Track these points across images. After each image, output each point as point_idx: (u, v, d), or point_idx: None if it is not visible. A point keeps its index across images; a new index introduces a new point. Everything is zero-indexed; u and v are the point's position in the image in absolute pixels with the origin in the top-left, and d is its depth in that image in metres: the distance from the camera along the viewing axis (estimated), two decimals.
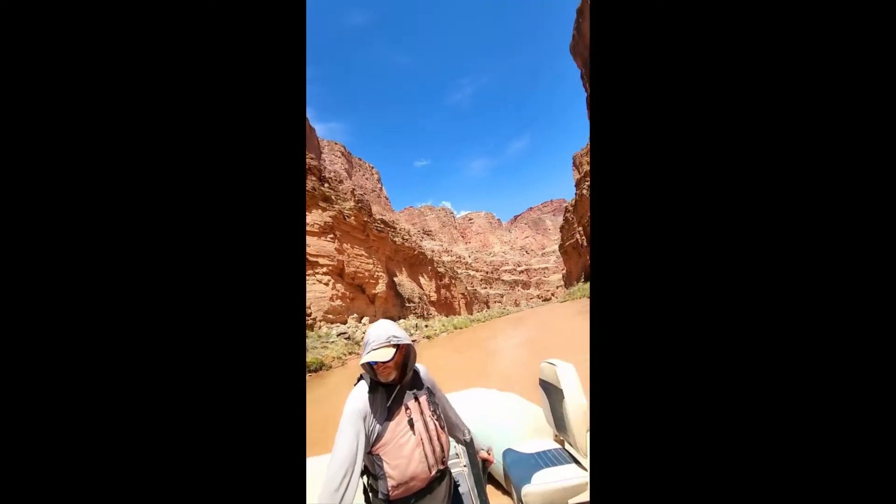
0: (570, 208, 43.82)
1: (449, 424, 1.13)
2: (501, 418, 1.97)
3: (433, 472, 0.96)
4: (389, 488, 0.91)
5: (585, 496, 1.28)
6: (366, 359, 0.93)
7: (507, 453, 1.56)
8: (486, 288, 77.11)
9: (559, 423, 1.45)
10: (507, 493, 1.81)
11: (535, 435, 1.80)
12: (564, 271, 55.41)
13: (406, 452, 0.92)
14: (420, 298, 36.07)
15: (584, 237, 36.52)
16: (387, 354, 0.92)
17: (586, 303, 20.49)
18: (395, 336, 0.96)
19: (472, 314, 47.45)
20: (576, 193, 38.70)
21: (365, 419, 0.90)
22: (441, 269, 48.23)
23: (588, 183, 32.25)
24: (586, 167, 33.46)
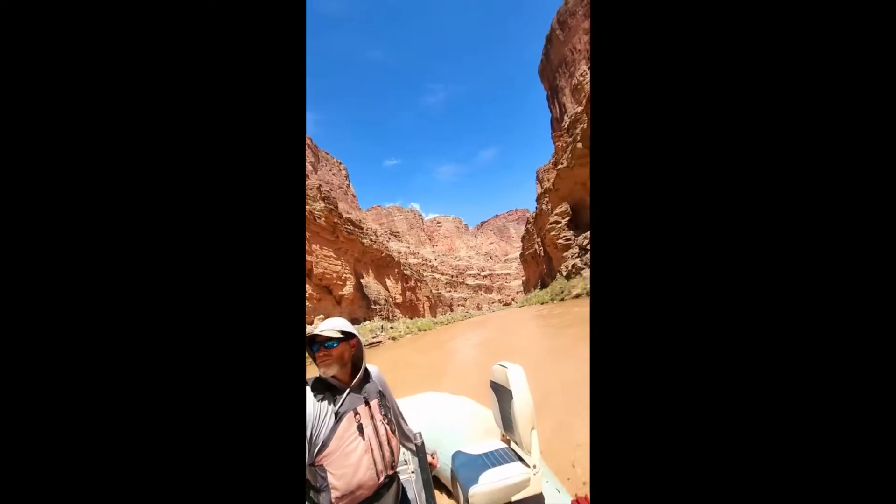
0: (531, 220, 47.10)
1: (399, 431, 1.11)
2: (453, 421, 2.04)
3: (381, 479, 0.95)
4: (333, 500, 0.88)
5: (528, 492, 1.37)
6: (314, 332, 0.91)
7: (457, 455, 1.59)
8: (450, 291, 78.91)
9: (507, 422, 1.51)
10: (453, 496, 1.83)
11: (484, 436, 1.86)
12: (524, 278, 58.89)
13: (353, 460, 0.90)
14: (386, 300, 36.55)
15: (542, 248, 39.62)
16: (333, 334, 0.94)
17: (540, 308, 22.73)
18: (345, 329, 0.97)
19: (435, 317, 48.70)
20: (536, 207, 41.84)
21: (310, 428, 0.87)
22: (407, 272, 48.92)
23: (547, 199, 35.24)
24: (547, 184, 36.54)
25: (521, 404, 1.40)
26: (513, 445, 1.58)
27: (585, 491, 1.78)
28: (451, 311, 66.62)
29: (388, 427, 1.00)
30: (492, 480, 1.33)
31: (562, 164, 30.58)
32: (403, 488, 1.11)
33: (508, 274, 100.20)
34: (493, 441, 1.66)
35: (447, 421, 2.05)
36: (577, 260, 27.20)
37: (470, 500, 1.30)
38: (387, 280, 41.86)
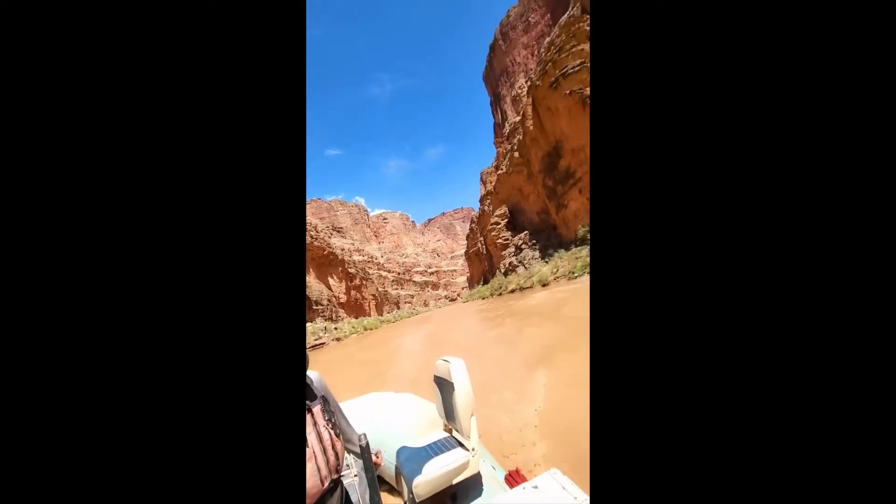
0: (475, 219, 49.46)
1: (343, 434, 1.11)
2: (397, 419, 2.08)
3: (326, 484, 0.94)
4: None
5: (467, 473, 1.45)
6: None
7: (401, 451, 1.61)
8: (397, 289, 78.42)
9: (449, 413, 1.59)
10: (397, 492, 1.86)
11: (427, 429, 1.89)
12: (469, 275, 61.52)
13: None
14: (329, 300, 35.13)
15: (484, 246, 42.03)
16: None
17: (482, 302, 24.42)
18: None
19: (382, 315, 48.18)
20: (480, 207, 44.11)
21: None
22: (352, 270, 47.42)
23: (489, 200, 37.50)
24: (489, 186, 38.78)
25: (462, 395, 1.48)
26: (454, 433, 1.65)
27: (517, 464, 1.88)
28: (398, 308, 66.33)
29: (331, 432, 1.00)
30: (434, 469, 1.39)
31: (501, 169, 32.88)
32: (346, 492, 1.11)
33: (454, 271, 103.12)
34: (436, 432, 1.72)
35: (391, 419, 2.10)
36: (514, 258, 29.74)
37: (414, 491, 1.35)
38: (329, 279, 40.13)
